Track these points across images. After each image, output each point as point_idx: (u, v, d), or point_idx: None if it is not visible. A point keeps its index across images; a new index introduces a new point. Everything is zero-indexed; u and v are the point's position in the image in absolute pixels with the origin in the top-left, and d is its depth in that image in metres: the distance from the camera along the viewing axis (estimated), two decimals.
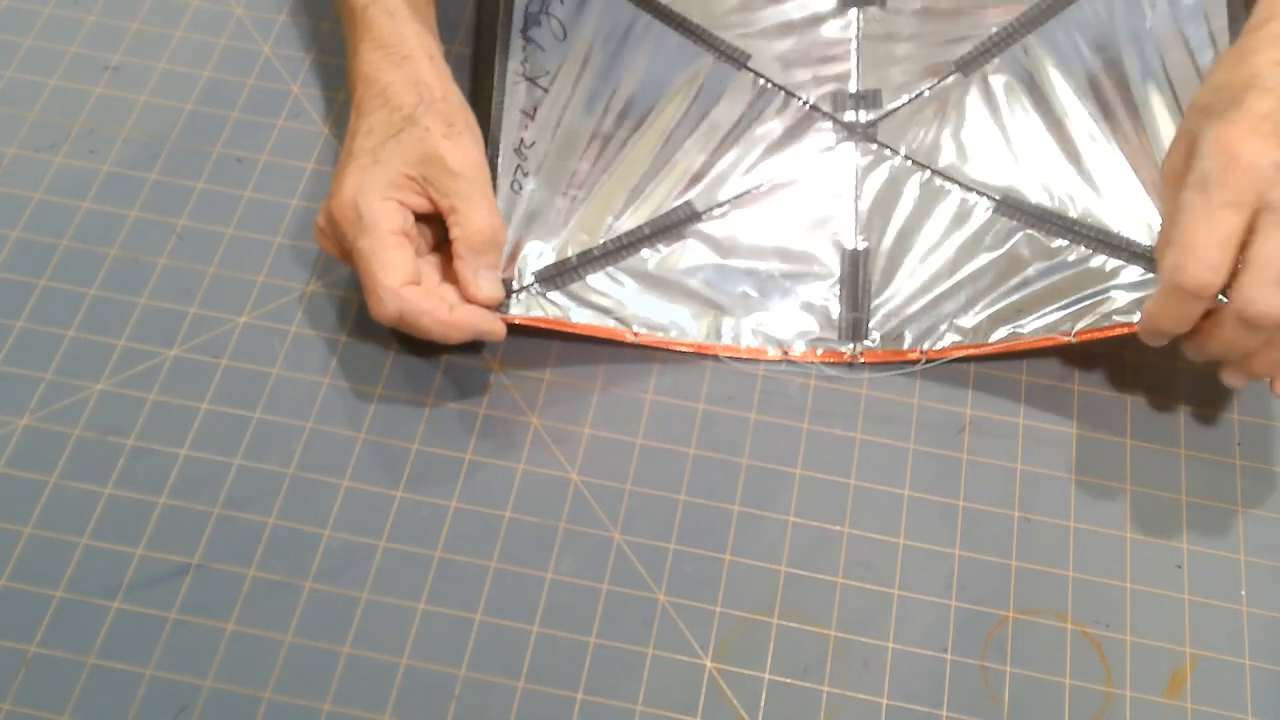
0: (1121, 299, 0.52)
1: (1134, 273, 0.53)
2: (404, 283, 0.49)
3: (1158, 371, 0.54)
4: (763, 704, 0.47)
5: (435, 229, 0.52)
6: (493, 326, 0.51)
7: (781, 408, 0.53)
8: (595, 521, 0.51)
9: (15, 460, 0.51)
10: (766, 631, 0.49)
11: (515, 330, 0.53)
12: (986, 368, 0.54)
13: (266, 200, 0.58)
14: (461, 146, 0.50)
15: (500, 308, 0.52)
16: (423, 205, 0.51)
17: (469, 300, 0.50)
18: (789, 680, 0.48)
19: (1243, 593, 0.50)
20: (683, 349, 0.54)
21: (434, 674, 0.47)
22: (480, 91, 0.58)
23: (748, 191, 0.55)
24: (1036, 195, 0.54)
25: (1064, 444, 0.53)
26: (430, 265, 0.52)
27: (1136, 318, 0.50)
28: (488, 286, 0.51)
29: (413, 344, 0.54)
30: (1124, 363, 0.54)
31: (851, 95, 0.57)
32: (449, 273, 0.51)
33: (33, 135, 0.60)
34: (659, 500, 0.51)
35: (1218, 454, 0.53)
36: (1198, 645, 0.48)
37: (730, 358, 0.54)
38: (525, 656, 0.48)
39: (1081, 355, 0.54)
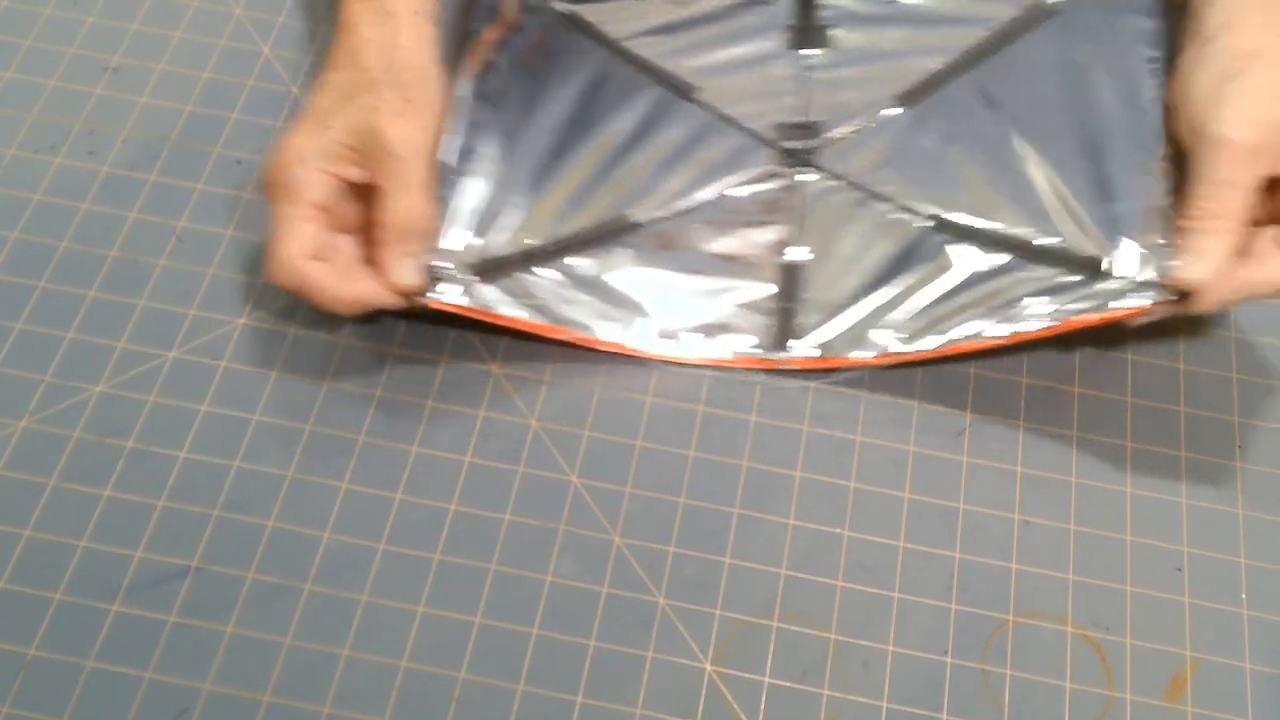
0: (1041, 305, 0.52)
1: (1054, 275, 0.53)
2: (303, 255, 0.49)
3: (1158, 373, 0.54)
4: (762, 707, 0.47)
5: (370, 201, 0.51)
6: (383, 301, 0.51)
7: (781, 410, 0.53)
8: (595, 524, 0.51)
9: (14, 462, 0.51)
10: (766, 634, 0.48)
11: (516, 332, 0.53)
12: (986, 370, 0.54)
13: (266, 201, 0.58)
14: (408, 127, 0.50)
15: (424, 293, 0.52)
16: (360, 176, 0.50)
17: (389, 287, 0.50)
18: (789, 683, 0.48)
19: (1243, 595, 0.49)
20: (611, 350, 0.54)
21: (434, 676, 0.47)
22: None
23: (688, 210, 0.56)
24: (970, 217, 0.55)
25: (1064, 446, 0.53)
26: (345, 241, 0.51)
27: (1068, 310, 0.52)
28: (407, 275, 0.50)
29: (413, 344, 0.54)
30: (1124, 364, 0.54)
31: (794, 125, 0.58)
32: (372, 253, 0.51)
33: (32, 136, 0.60)
34: (659, 503, 0.51)
35: (1218, 456, 0.53)
36: (1198, 648, 0.48)
37: (660, 360, 0.54)
38: (525, 659, 0.48)
39: (1082, 357, 0.54)
